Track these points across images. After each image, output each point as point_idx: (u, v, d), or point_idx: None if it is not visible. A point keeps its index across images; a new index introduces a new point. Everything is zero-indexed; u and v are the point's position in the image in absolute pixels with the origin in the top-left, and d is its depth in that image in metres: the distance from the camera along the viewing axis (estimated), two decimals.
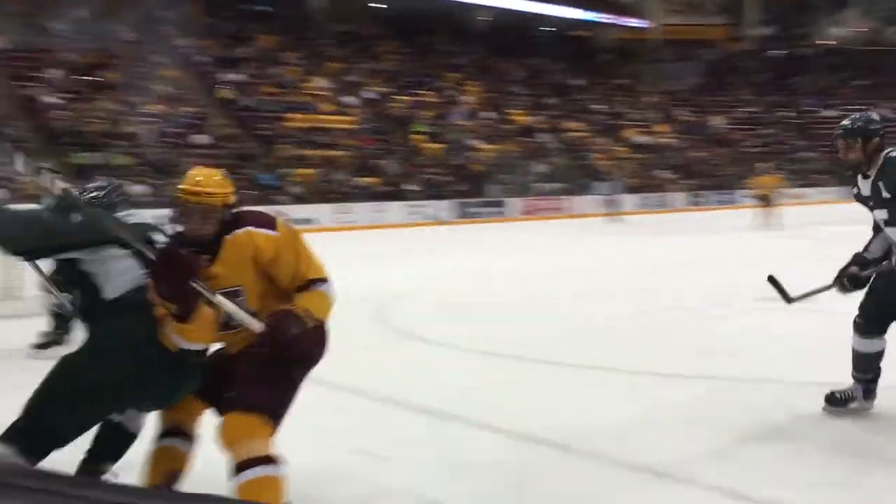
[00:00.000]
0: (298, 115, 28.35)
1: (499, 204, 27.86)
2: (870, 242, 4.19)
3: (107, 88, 24.50)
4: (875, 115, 4.13)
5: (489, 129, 33.02)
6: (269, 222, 2.94)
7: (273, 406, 2.81)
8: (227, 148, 24.99)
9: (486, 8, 39.33)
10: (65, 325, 5.89)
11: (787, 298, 4.30)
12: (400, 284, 9.93)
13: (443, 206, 26.03)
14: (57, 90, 23.75)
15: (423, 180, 27.67)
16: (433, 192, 27.19)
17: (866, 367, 4.11)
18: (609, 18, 43.26)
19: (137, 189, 21.30)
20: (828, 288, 4.22)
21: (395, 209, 24.94)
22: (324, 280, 2.96)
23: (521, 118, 34.94)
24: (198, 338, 2.82)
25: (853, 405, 4.13)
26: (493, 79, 37.15)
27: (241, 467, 2.68)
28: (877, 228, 4.15)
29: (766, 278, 4.32)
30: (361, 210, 24.31)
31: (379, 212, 24.50)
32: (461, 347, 6.09)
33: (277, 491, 2.70)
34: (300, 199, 23.93)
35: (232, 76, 28.61)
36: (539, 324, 7.06)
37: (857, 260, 4.13)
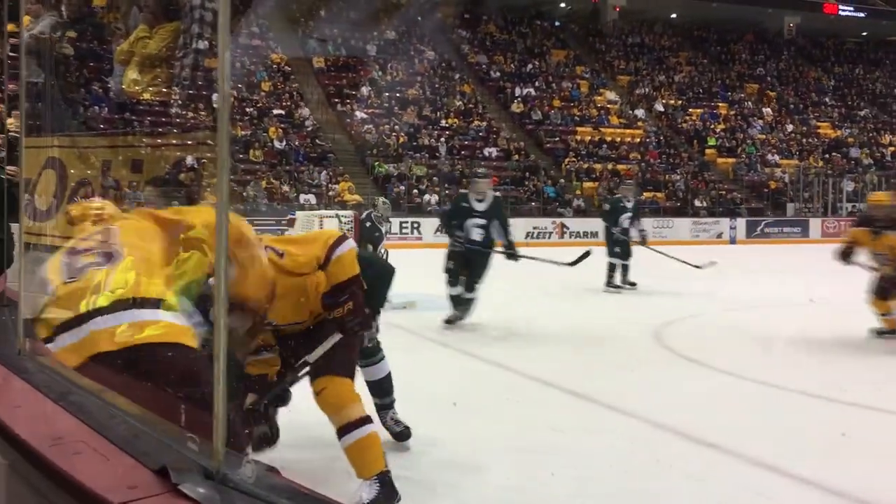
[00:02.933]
0: (586, 129, 28.43)
1: (797, 224, 25.89)
2: None
3: (408, 104, 26.35)
4: None
5: (791, 143, 30.81)
6: None
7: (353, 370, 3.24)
8: (515, 160, 25.73)
9: (793, 13, 36.50)
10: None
11: None
12: (682, 303, 9.51)
13: (733, 224, 24.75)
14: (365, 106, 25.99)
15: (712, 196, 26.51)
16: (722, 208, 25.98)
17: None
18: None
19: (429, 198, 22.69)
20: None
21: (680, 225, 24.15)
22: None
23: (829, 132, 32.13)
24: None
25: None
26: (798, 89, 34.57)
27: (348, 428, 3.03)
28: None
29: None
30: (645, 225, 23.74)
31: (663, 227, 23.86)
32: (745, 377, 5.67)
33: (379, 444, 3.11)
34: (581, 212, 23.99)
35: (523, 90, 29.39)
36: (835, 361, 6.37)
37: None
